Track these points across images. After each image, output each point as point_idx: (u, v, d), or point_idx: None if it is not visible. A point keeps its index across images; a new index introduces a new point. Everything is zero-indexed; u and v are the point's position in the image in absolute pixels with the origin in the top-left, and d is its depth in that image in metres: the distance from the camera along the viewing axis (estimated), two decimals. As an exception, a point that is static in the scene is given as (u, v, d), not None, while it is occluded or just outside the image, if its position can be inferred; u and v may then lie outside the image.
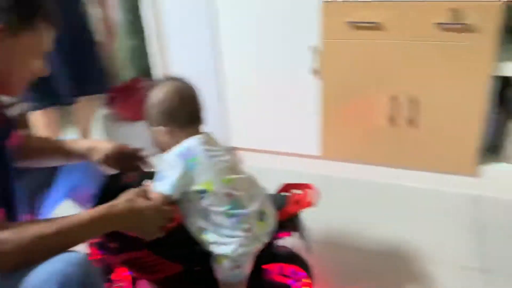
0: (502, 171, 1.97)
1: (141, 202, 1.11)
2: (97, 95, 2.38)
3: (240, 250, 1.17)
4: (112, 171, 1.41)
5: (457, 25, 1.70)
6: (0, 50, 1.00)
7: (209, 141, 1.21)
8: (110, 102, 2.58)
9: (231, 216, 1.15)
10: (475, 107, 1.83)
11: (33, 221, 1.04)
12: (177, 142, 1.18)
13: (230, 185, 1.16)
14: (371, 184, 2.08)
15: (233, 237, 1.16)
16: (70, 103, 2.16)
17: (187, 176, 1.13)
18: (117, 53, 2.68)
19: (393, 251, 1.72)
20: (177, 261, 1.31)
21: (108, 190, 1.33)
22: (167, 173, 1.14)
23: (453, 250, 1.69)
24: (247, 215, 1.17)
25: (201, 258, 1.28)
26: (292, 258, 1.38)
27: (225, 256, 1.17)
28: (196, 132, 1.21)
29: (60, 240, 0.99)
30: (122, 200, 1.10)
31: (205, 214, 1.16)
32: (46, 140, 1.47)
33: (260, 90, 2.13)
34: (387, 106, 1.94)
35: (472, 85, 1.80)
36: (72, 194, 1.47)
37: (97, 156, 1.36)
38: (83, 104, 2.21)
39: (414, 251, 1.70)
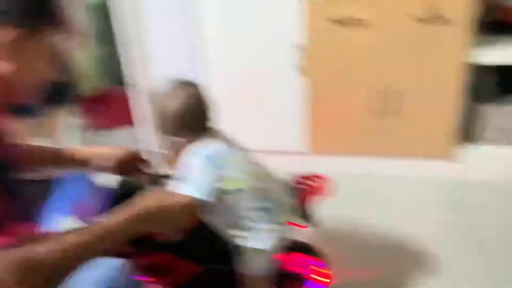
0: (476, 153, 2.10)
1: (169, 201, 1.08)
2: (68, 105, 2.33)
3: (276, 244, 1.18)
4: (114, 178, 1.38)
5: (432, 17, 1.80)
6: (17, 55, 0.96)
7: (225, 138, 1.21)
8: (85, 111, 2.51)
9: (265, 210, 1.16)
10: (450, 94, 1.95)
11: (66, 231, 1.00)
12: (194, 147, 1.17)
13: (260, 180, 1.17)
14: (358, 176, 2.15)
15: (268, 231, 1.17)
16: (41, 115, 2.10)
17: (217, 177, 1.12)
18: (88, 61, 2.61)
19: (388, 238, 1.79)
20: (198, 261, 1.30)
21: (123, 196, 1.30)
22: (196, 176, 1.11)
23: (444, 229, 1.79)
24: (281, 208, 1.18)
25: (222, 257, 1.28)
26: (308, 248, 1.41)
27: (260, 250, 1.17)
28: (212, 132, 1.21)
29: (101, 245, 0.96)
30: (151, 199, 1.06)
31: (239, 211, 1.16)
32: (45, 148, 1.41)
33: (244, 88, 2.14)
34: (370, 98, 2.01)
35: (447, 73, 1.91)
36: (74, 209, 1.43)
37: (107, 162, 1.32)
38: (53, 114, 2.16)
39: (406, 235, 1.78)
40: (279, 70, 2.06)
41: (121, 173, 1.35)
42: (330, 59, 1.99)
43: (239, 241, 1.19)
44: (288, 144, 2.18)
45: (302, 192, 1.32)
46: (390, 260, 1.70)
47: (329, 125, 2.13)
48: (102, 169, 1.32)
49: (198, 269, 1.30)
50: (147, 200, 1.05)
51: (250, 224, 1.17)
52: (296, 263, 1.41)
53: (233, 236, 1.19)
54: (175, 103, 1.16)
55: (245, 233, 1.18)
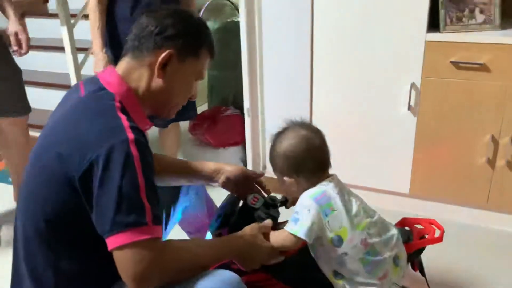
0: None
1: (261, 241, 1.16)
2: (184, 121, 2.48)
3: None
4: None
5: None
6: (168, 74, 1.08)
7: (339, 184, 1.20)
8: (195, 128, 2.68)
9: (367, 263, 1.14)
10: None
11: (180, 241, 1.10)
12: (305, 189, 1.18)
13: (365, 231, 1.14)
14: (458, 225, 2.05)
15: (368, 285, 1.15)
16: (163, 126, 2.26)
17: (321, 222, 1.13)
18: (207, 81, 2.79)
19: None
20: (296, 286, 1.32)
21: (230, 212, 1.38)
22: (301, 216, 1.14)
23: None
24: (383, 262, 1.15)
25: (320, 285, 1.29)
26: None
27: None
28: (325, 176, 1.20)
29: (205, 261, 1.05)
30: (248, 234, 1.16)
31: (340, 260, 1.15)
32: (173, 159, 1.54)
33: (353, 125, 2.15)
34: (483, 147, 1.93)
35: None
36: (181, 219, 1.53)
37: (220, 178, 1.41)
38: (170, 129, 2.30)
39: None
40: (392, 109, 2.04)
41: (236, 191, 1.43)
42: (444, 102, 1.95)
43: (334, 280, 1.19)
44: (393, 185, 2.14)
45: (414, 236, 1.29)
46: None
47: (432, 168, 2.07)
48: (222, 184, 1.41)
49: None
50: (246, 235, 1.15)
51: (349, 275, 1.16)
52: None
53: (335, 283, 1.19)
54: (286, 145, 1.19)
55: (345, 283, 1.17)
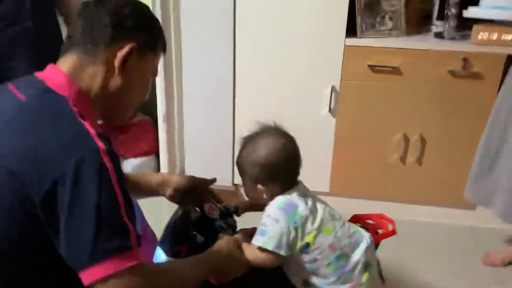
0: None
1: (238, 254, 1.11)
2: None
3: None
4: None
5: (466, 73, 1.92)
6: (128, 71, 0.95)
7: (303, 190, 1.18)
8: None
9: (336, 269, 1.13)
10: (475, 146, 2.05)
11: (163, 263, 0.99)
12: (273, 198, 1.15)
13: (332, 235, 1.13)
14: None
15: None
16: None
17: (290, 232, 1.10)
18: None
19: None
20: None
21: (183, 229, 1.28)
22: (269, 228, 1.10)
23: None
24: (353, 267, 1.14)
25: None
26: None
27: None
28: (296, 186, 1.18)
29: (192, 280, 0.96)
30: (224, 248, 1.09)
31: (310, 268, 1.13)
32: None
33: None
34: (398, 145, 2.09)
35: (474, 127, 2.01)
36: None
37: (167, 191, 1.30)
38: None
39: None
40: (313, 111, 2.10)
41: (185, 203, 1.33)
42: (361, 104, 2.06)
43: None
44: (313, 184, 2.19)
45: (373, 235, 1.31)
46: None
47: (352, 167, 2.18)
48: (170, 197, 1.30)
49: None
50: (223, 250, 1.08)
51: (319, 281, 1.14)
52: None
53: None
54: (263, 152, 1.14)
55: (311, 286, 1.15)
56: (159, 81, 2.21)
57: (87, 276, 0.77)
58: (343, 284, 1.14)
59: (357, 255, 1.15)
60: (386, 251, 1.90)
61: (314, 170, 2.17)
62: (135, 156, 2.46)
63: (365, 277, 1.16)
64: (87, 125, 0.84)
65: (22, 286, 0.86)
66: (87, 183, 0.77)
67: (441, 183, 2.13)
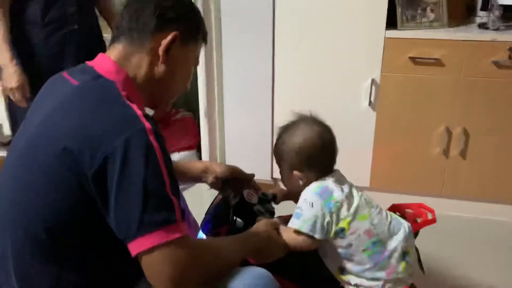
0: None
1: (276, 236, 1.13)
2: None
3: None
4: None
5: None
6: (171, 59, 1.01)
7: (340, 177, 1.20)
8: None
9: (372, 254, 1.13)
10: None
11: (206, 239, 1.02)
12: (313, 184, 1.17)
13: (368, 221, 1.14)
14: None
15: (375, 279, 1.14)
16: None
17: (325, 216, 1.11)
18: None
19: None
20: (294, 280, 1.29)
21: (224, 212, 1.32)
22: (304, 211, 1.13)
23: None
24: (389, 254, 1.14)
25: (318, 278, 1.27)
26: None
27: None
28: (332, 172, 1.20)
29: (234, 258, 0.99)
30: (262, 230, 1.12)
31: (346, 253, 1.14)
32: None
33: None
34: (438, 138, 2.05)
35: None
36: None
37: (209, 178, 1.35)
38: None
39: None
40: (354, 104, 2.10)
41: (221, 189, 1.37)
42: (402, 97, 2.04)
43: (347, 286, 1.17)
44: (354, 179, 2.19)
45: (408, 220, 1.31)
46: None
47: (392, 161, 2.16)
48: (211, 184, 1.35)
49: (295, 288, 1.30)
50: (262, 231, 1.11)
51: (355, 268, 1.15)
52: None
53: (341, 279, 1.18)
54: (300, 139, 1.17)
55: (351, 278, 1.16)
56: (201, 78, 2.27)
57: (135, 247, 0.82)
58: (379, 271, 1.14)
59: (395, 242, 1.15)
60: (429, 245, 1.89)
61: (355, 165, 2.16)
62: (178, 150, 2.54)
63: (402, 265, 1.16)
64: (134, 107, 0.89)
65: (65, 262, 0.91)
66: (135, 159, 0.82)
67: (486, 177, 2.08)
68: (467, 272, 1.81)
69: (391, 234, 1.16)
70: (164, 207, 0.83)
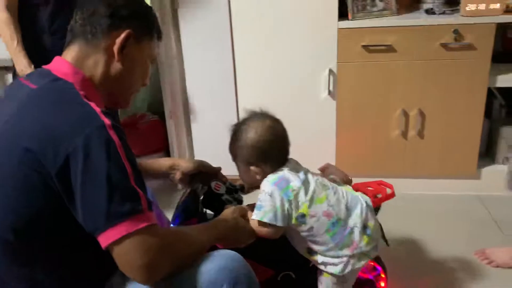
0: (497, 171, 2.24)
1: (243, 223, 1.18)
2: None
3: (348, 269, 1.20)
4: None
5: (458, 45, 1.98)
6: (126, 56, 1.03)
7: (295, 165, 1.25)
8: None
9: (334, 234, 1.19)
10: (474, 116, 2.10)
11: (174, 227, 1.05)
12: (270, 176, 1.21)
13: (325, 203, 1.19)
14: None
15: (339, 256, 1.20)
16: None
17: (285, 204, 1.16)
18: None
19: (426, 250, 1.87)
20: (270, 265, 1.34)
21: (193, 205, 1.36)
22: (265, 203, 1.17)
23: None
24: (350, 231, 1.20)
25: (294, 263, 1.33)
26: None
27: (333, 274, 1.21)
28: (288, 162, 1.24)
29: (203, 244, 1.02)
30: (230, 217, 1.16)
31: (309, 236, 1.20)
32: None
33: (278, 115, 2.23)
34: (397, 121, 2.14)
35: (472, 97, 2.07)
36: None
37: (176, 174, 1.38)
38: None
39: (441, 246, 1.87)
40: (314, 95, 2.17)
41: (185, 185, 1.41)
42: (359, 84, 2.13)
43: (316, 264, 1.23)
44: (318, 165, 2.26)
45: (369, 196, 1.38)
46: (434, 270, 1.77)
47: (356, 147, 2.24)
48: (179, 180, 1.38)
49: (269, 273, 1.35)
50: (229, 218, 1.15)
51: (320, 249, 1.20)
52: (368, 270, 1.47)
53: (311, 259, 1.24)
54: (253, 134, 1.20)
55: (318, 258, 1.22)
56: (164, 80, 2.30)
57: (104, 239, 0.85)
58: (343, 249, 1.20)
59: (354, 218, 1.21)
60: (394, 222, 1.98)
61: (319, 153, 2.24)
62: (146, 154, 2.55)
63: (364, 240, 1.22)
64: (93, 104, 0.92)
65: (34, 262, 0.93)
66: (96, 155, 0.85)
67: (443, 154, 2.18)
68: (432, 244, 1.90)
69: (349, 211, 1.22)
70: (129, 198, 0.86)
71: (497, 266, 1.75)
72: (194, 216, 1.30)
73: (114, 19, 1.01)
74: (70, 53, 1.02)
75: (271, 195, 1.16)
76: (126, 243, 0.85)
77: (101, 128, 0.87)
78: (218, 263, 0.94)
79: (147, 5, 1.11)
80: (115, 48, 1.01)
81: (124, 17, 1.02)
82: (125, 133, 0.94)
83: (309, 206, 1.18)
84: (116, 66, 1.02)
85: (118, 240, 0.84)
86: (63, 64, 1.00)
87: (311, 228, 1.18)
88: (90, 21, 1.01)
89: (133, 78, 1.08)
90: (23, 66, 1.71)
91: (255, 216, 1.17)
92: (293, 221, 1.18)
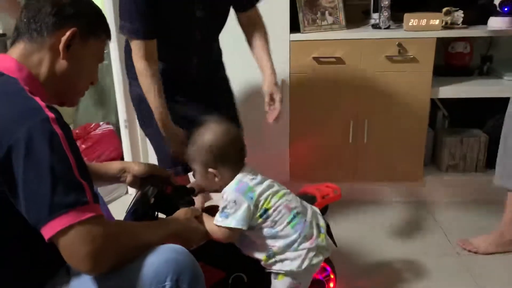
0: (441, 179, 2.35)
1: (196, 224, 1.21)
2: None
3: (306, 264, 1.25)
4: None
5: (402, 57, 2.10)
6: (72, 54, 1.04)
7: (252, 171, 1.31)
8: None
9: (295, 225, 1.25)
10: (419, 126, 2.22)
11: (121, 220, 1.05)
12: (226, 182, 1.27)
13: (284, 198, 1.26)
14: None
15: (299, 250, 1.25)
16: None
17: (250, 207, 1.22)
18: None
19: (373, 253, 1.94)
20: (220, 267, 1.36)
21: (144, 207, 1.36)
22: (230, 210, 1.22)
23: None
24: (309, 224, 1.27)
25: (246, 265, 1.36)
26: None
27: (289, 272, 1.26)
28: (243, 165, 1.30)
29: (151, 238, 1.03)
30: (182, 217, 1.19)
31: (273, 233, 1.25)
32: None
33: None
34: (347, 130, 2.23)
35: (416, 107, 2.18)
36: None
37: (127, 177, 1.39)
38: None
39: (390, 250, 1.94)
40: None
41: (140, 187, 1.41)
42: (310, 94, 2.20)
43: (271, 264, 1.28)
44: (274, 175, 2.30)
45: (317, 198, 1.44)
46: (381, 270, 1.83)
47: (307, 155, 2.30)
48: (129, 183, 1.38)
49: (220, 275, 1.36)
50: (181, 218, 1.18)
51: (283, 248, 1.25)
52: (319, 271, 1.50)
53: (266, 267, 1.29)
54: (209, 137, 1.25)
55: (277, 257, 1.26)
56: (118, 88, 2.30)
57: (48, 230, 0.85)
58: (303, 241, 1.25)
59: (309, 215, 1.29)
60: (343, 227, 2.05)
61: (274, 161, 2.30)
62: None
63: (321, 236, 1.29)
64: (37, 99, 0.92)
65: None
66: (39, 147, 0.85)
67: (391, 162, 2.29)
68: (379, 246, 1.98)
69: (305, 208, 1.30)
70: (73, 190, 0.87)
71: (483, 253, 1.87)
72: (144, 218, 1.30)
73: (59, 18, 1.01)
74: (15, 51, 1.02)
75: (235, 202, 1.21)
76: (71, 234, 0.85)
77: (45, 121, 0.88)
78: (163, 255, 0.96)
79: (95, 5, 1.12)
80: (60, 46, 1.01)
81: (70, 15, 1.02)
82: (68, 126, 0.94)
83: (271, 201, 1.24)
84: (62, 64, 1.03)
85: (62, 231, 0.85)
86: (8, 60, 1.00)
87: (274, 222, 1.24)
88: (35, 19, 1.01)
89: (80, 77, 1.08)
90: (166, 121, 1.64)
91: (223, 224, 1.21)
92: (258, 219, 1.23)
